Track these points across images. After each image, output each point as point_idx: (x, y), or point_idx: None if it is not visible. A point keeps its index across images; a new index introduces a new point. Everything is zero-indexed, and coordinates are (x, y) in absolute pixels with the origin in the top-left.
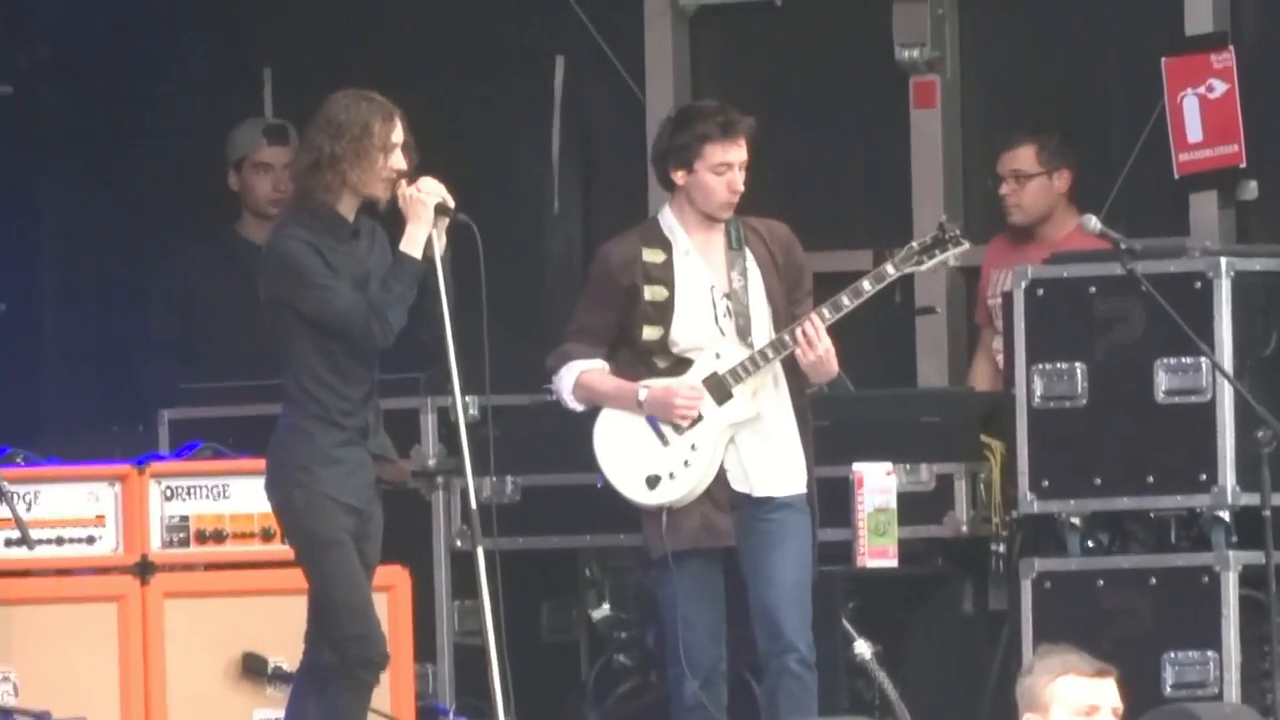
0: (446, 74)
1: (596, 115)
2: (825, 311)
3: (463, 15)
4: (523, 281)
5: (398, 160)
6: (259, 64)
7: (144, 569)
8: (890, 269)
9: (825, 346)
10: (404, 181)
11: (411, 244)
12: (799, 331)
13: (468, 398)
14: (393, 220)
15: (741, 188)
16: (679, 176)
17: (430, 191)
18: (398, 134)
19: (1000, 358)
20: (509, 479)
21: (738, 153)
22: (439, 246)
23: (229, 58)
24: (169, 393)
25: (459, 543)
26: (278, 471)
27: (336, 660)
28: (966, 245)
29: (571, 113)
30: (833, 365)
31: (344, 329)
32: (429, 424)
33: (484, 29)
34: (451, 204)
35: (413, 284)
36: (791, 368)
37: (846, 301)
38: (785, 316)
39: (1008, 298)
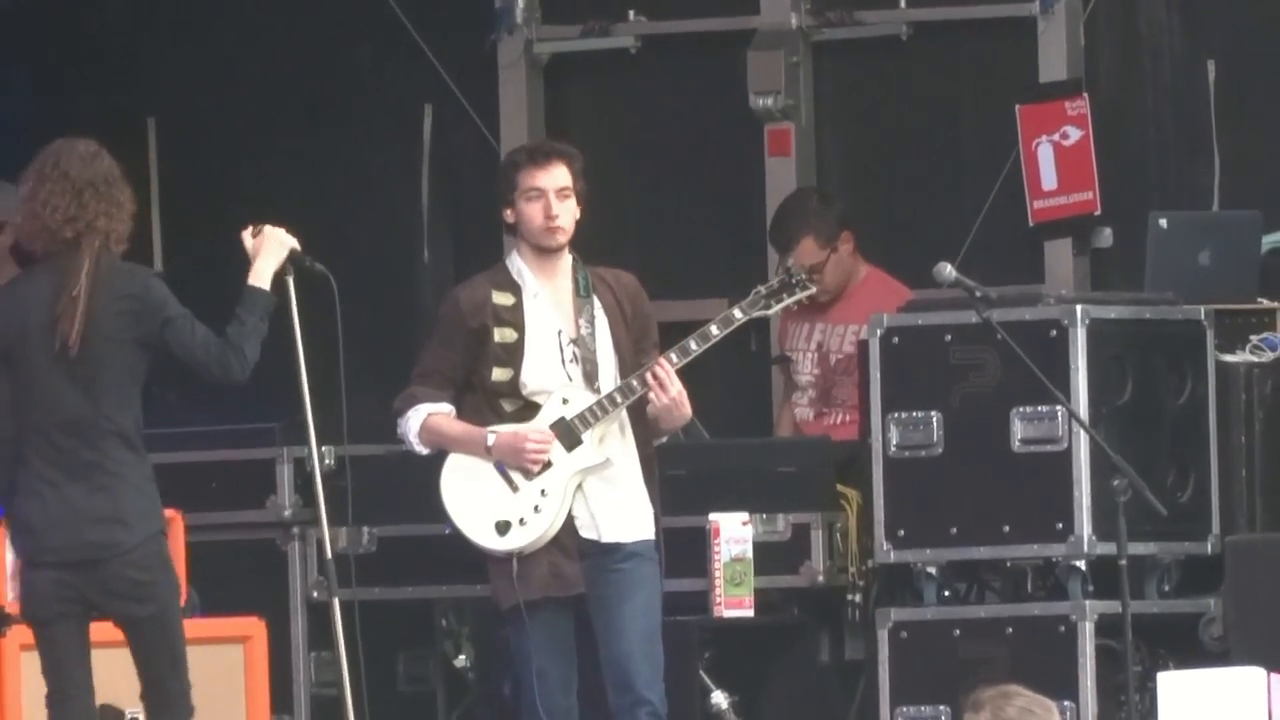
0: (320, 124)
1: (461, 165)
2: (674, 356)
3: (336, 67)
4: (394, 330)
5: None
6: (143, 113)
7: None
8: (737, 313)
9: (678, 389)
10: (250, 228)
11: (259, 278)
12: (649, 374)
13: (324, 447)
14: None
15: (559, 214)
16: (508, 215)
17: (282, 241)
18: None
19: (796, 409)
20: (365, 529)
21: (548, 178)
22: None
23: (113, 107)
24: None
25: (315, 594)
26: (158, 521)
27: (177, 711)
28: (813, 289)
29: (439, 162)
30: (685, 409)
31: (203, 361)
32: (285, 474)
33: (354, 81)
34: (299, 249)
35: (265, 317)
36: (638, 416)
37: (694, 346)
38: (631, 366)
39: (863, 346)
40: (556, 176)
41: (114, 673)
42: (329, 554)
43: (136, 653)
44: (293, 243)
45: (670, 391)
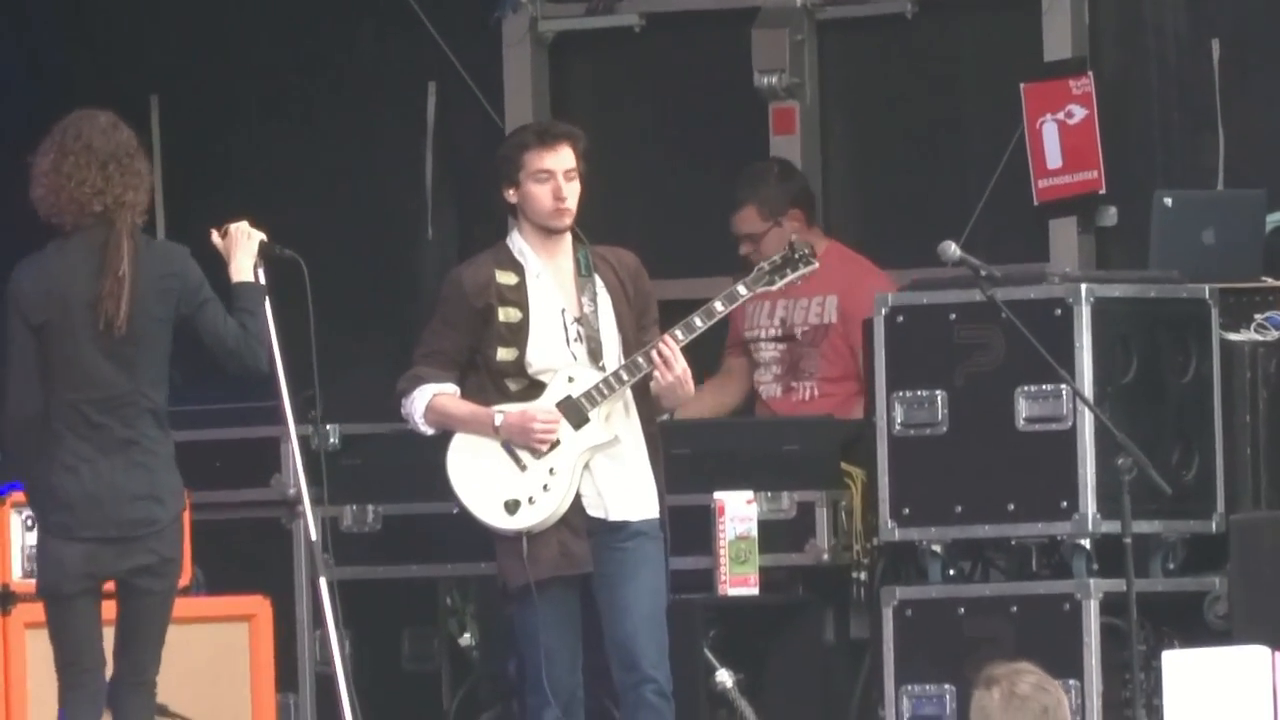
0: (323, 101)
1: (465, 143)
2: (678, 333)
3: (339, 44)
4: (397, 308)
5: None
6: (146, 91)
7: (4, 599)
8: (742, 289)
9: (682, 366)
10: (214, 230)
11: (243, 274)
12: (654, 352)
13: (329, 426)
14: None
15: (567, 195)
16: (511, 195)
17: (249, 234)
18: None
19: (760, 387)
20: (370, 507)
21: (556, 159)
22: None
23: (115, 84)
24: None
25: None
26: (183, 499)
27: (148, 693)
28: (816, 265)
29: (443, 140)
30: (689, 386)
31: (233, 350)
32: (290, 452)
33: (357, 58)
34: (266, 240)
35: (263, 309)
36: (642, 394)
37: (699, 323)
38: (634, 344)
39: (868, 324)
40: (564, 158)
41: None
42: (313, 535)
43: (130, 627)
44: (260, 235)
45: (675, 369)
